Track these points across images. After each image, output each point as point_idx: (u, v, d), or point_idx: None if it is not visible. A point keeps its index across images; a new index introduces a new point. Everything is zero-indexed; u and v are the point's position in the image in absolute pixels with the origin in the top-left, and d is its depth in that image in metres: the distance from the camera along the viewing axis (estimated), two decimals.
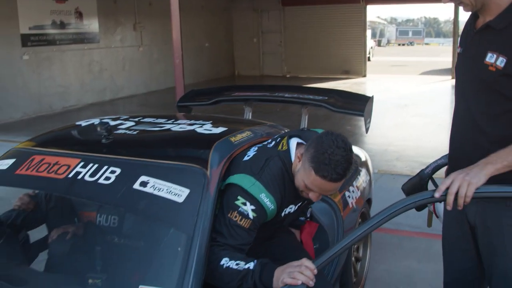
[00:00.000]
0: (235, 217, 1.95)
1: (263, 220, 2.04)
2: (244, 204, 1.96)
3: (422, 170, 2.49)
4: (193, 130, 2.56)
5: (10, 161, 2.35)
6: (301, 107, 4.02)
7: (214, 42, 17.52)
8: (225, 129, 2.53)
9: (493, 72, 1.90)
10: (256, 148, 2.21)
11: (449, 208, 1.82)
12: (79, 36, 12.08)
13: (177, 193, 1.99)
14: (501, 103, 1.92)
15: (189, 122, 2.75)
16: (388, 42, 52.97)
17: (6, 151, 2.54)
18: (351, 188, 3.22)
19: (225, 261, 1.88)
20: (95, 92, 12.66)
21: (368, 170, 3.72)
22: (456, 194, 1.79)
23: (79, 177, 2.12)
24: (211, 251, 1.91)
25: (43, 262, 2.52)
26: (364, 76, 17.53)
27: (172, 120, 2.77)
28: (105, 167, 2.14)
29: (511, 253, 1.99)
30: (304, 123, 4.03)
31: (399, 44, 51.27)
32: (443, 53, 25.21)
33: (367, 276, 3.53)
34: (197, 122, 2.71)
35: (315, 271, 1.76)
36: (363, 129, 3.86)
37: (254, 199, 1.98)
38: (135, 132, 2.54)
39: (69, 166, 2.18)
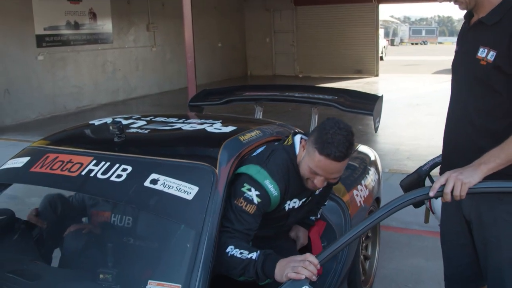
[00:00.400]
0: (241, 203, 2.05)
1: (267, 206, 2.13)
2: (249, 190, 2.07)
3: (420, 167, 2.57)
4: (203, 129, 2.60)
5: (25, 159, 2.41)
6: (311, 106, 4.06)
7: (226, 42, 17.55)
8: (234, 128, 2.57)
9: (484, 66, 1.93)
10: (264, 146, 2.33)
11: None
12: (93, 36, 12.17)
13: (187, 190, 2.04)
14: (493, 97, 1.95)
15: (199, 121, 2.79)
16: (401, 41, 52.64)
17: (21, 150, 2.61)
18: (359, 187, 3.24)
19: (230, 249, 1.94)
20: (108, 92, 12.75)
21: (377, 169, 3.74)
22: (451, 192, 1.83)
23: (92, 174, 2.17)
24: (219, 237, 1.97)
25: (56, 258, 2.59)
26: (377, 75, 17.45)
27: (183, 120, 2.82)
28: (117, 165, 2.18)
29: (505, 246, 2.02)
30: (314, 123, 4.06)
31: (412, 43, 50.95)
32: None
33: (375, 274, 3.55)
34: (207, 121, 2.75)
35: (319, 266, 1.79)
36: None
37: (259, 184, 2.09)
38: (146, 131, 2.60)
39: (82, 164, 2.23)
